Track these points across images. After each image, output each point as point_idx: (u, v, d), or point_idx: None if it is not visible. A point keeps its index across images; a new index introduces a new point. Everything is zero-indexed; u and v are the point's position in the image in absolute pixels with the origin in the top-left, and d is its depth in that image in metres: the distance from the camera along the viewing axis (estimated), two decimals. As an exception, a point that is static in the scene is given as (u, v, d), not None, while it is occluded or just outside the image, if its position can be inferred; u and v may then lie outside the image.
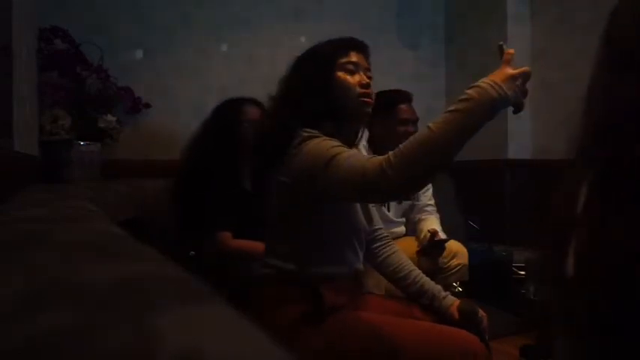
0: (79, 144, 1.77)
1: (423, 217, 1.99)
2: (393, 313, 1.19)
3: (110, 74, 2.06)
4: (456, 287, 1.85)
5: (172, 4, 2.41)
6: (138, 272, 0.30)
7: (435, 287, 1.26)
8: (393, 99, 1.95)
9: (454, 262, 1.86)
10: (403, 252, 1.36)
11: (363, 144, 1.86)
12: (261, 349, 0.21)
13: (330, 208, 1.14)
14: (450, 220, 2.16)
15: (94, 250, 0.37)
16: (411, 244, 1.84)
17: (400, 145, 0.94)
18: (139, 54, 2.33)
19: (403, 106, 1.94)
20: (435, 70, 3.11)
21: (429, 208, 2.03)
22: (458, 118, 0.90)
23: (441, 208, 2.08)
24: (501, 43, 1.02)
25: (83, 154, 1.76)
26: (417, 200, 2.03)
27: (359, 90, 1.15)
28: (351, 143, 1.22)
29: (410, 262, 1.32)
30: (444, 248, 1.78)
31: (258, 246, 1.49)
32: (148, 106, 2.25)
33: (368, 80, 1.17)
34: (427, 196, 2.05)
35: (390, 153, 0.94)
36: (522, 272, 2.28)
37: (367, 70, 1.20)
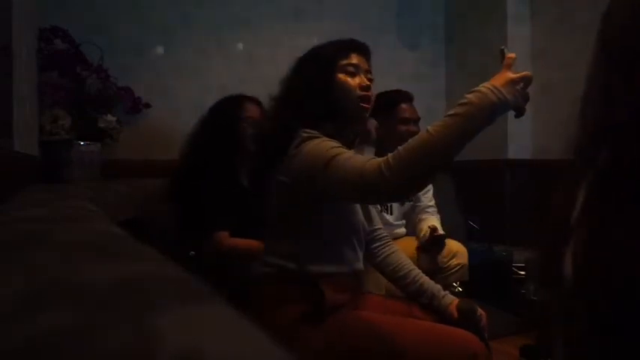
0: (79, 144, 1.77)
1: (424, 217, 1.99)
2: (393, 313, 1.19)
3: (110, 74, 2.06)
4: (455, 287, 1.85)
5: (172, 4, 2.41)
6: (138, 272, 0.30)
7: (435, 286, 1.26)
8: (394, 99, 1.96)
9: (454, 262, 1.86)
10: (403, 252, 1.36)
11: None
12: (261, 349, 0.21)
13: (329, 208, 1.15)
14: (450, 220, 2.17)
15: (94, 250, 0.37)
16: (410, 244, 1.84)
17: (399, 148, 0.94)
18: (139, 54, 2.33)
19: (404, 106, 1.95)
20: (435, 70, 3.11)
21: (430, 210, 2.03)
22: (457, 122, 0.90)
23: (441, 209, 2.08)
24: (503, 47, 1.02)
25: (83, 154, 1.76)
26: (418, 201, 2.03)
27: (359, 92, 1.16)
28: (351, 144, 1.22)
29: (409, 261, 1.33)
30: (443, 244, 1.78)
31: (254, 244, 1.49)
32: (148, 106, 2.25)
33: (368, 82, 1.17)
34: (428, 197, 2.05)
35: (389, 155, 0.94)
36: (522, 272, 2.28)
37: (368, 72, 1.20)
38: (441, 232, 1.80)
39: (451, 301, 1.23)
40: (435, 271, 1.73)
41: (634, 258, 0.42)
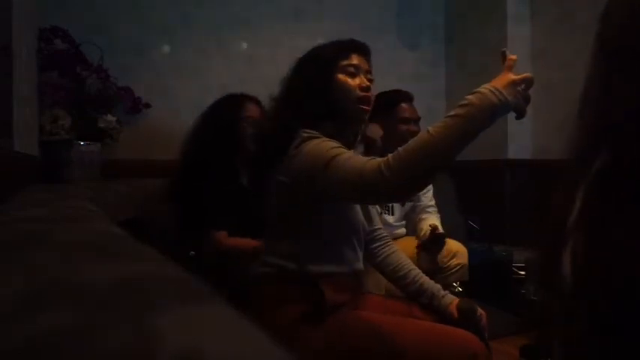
0: (79, 144, 1.77)
1: (424, 216, 1.99)
2: (393, 313, 1.19)
3: (110, 74, 2.06)
4: (456, 287, 1.85)
5: (172, 4, 2.41)
6: (138, 272, 0.30)
7: (435, 286, 1.27)
8: (394, 99, 1.96)
9: (454, 261, 1.86)
10: (403, 252, 1.36)
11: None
12: (261, 349, 0.21)
13: (329, 208, 1.15)
14: (450, 220, 2.17)
15: (94, 250, 0.37)
16: (410, 244, 1.84)
17: (399, 148, 0.94)
18: (139, 54, 2.33)
19: (404, 105, 1.95)
20: (435, 70, 3.11)
21: (430, 209, 2.03)
22: (458, 123, 0.91)
23: (441, 209, 2.08)
24: (504, 49, 1.02)
25: (83, 154, 1.76)
26: (419, 201, 2.03)
27: (359, 93, 1.16)
28: (351, 144, 1.22)
29: (409, 261, 1.33)
30: (443, 243, 1.77)
31: (252, 243, 1.49)
32: (148, 106, 2.25)
33: (368, 83, 1.18)
34: (428, 196, 2.05)
35: (390, 155, 0.94)
36: (522, 272, 2.28)
37: (368, 72, 1.20)
38: (441, 230, 1.80)
39: (451, 300, 1.23)
40: (435, 271, 1.73)
41: (634, 258, 0.42)
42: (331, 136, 1.10)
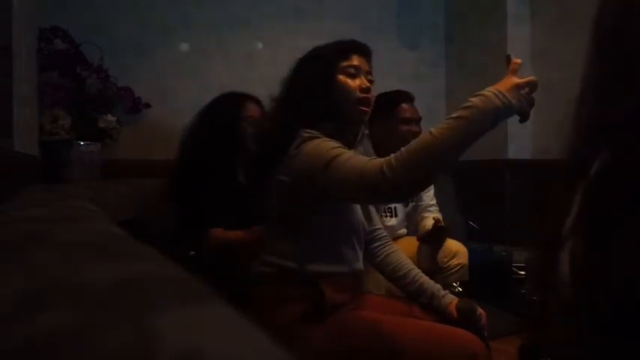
0: (79, 144, 1.77)
1: (426, 215, 1.99)
2: (393, 313, 1.19)
3: (110, 74, 2.06)
4: (456, 287, 1.84)
5: (172, 4, 2.41)
6: (138, 272, 0.30)
7: (434, 286, 1.27)
8: (394, 99, 1.95)
9: (454, 261, 1.86)
10: (403, 252, 1.36)
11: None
12: (261, 349, 0.22)
13: (329, 208, 1.15)
14: (450, 220, 2.16)
15: (94, 250, 0.37)
16: (411, 244, 1.84)
17: (402, 149, 0.94)
18: (139, 54, 2.33)
19: (405, 106, 1.94)
20: (435, 70, 3.11)
21: (431, 209, 2.03)
22: (461, 124, 0.91)
23: (441, 209, 2.08)
24: (509, 53, 1.03)
25: (83, 154, 1.76)
26: (420, 201, 2.03)
27: (359, 94, 1.16)
28: (351, 144, 1.22)
29: (409, 261, 1.33)
30: (446, 236, 1.75)
31: (242, 234, 1.49)
32: (148, 106, 2.25)
33: (368, 84, 1.18)
34: (429, 196, 2.05)
35: (392, 155, 0.94)
36: (522, 272, 2.28)
37: (368, 73, 1.20)
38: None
39: (451, 300, 1.23)
40: (435, 270, 1.73)
41: (634, 258, 0.42)
42: (331, 136, 1.11)
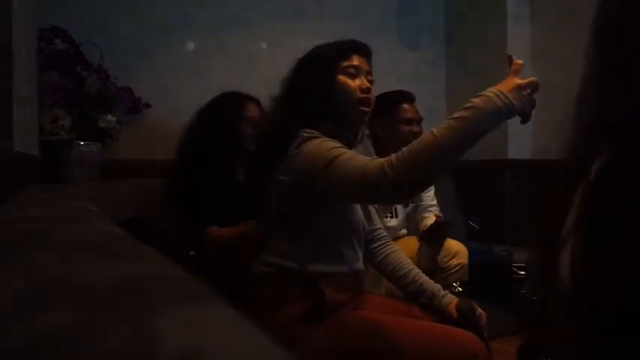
0: (79, 144, 1.77)
1: (426, 215, 1.99)
2: (393, 313, 1.19)
3: (110, 74, 2.06)
4: (456, 287, 1.85)
5: (172, 4, 2.41)
6: (138, 272, 0.30)
7: (434, 286, 1.27)
8: (395, 99, 1.95)
9: (454, 261, 1.86)
10: (403, 252, 1.36)
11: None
12: (261, 349, 0.21)
13: (329, 208, 1.15)
14: (450, 220, 2.16)
15: (94, 250, 0.37)
16: (411, 244, 1.84)
17: (403, 149, 0.95)
18: (139, 54, 2.33)
19: (406, 106, 1.94)
20: (435, 70, 3.11)
21: (432, 209, 2.03)
22: (462, 125, 0.91)
23: (441, 209, 2.08)
24: (511, 54, 1.03)
25: (83, 154, 1.76)
26: (420, 201, 2.03)
27: (359, 95, 1.16)
28: (351, 144, 1.22)
29: (409, 261, 1.33)
30: (447, 232, 1.74)
31: (238, 229, 1.49)
32: (148, 106, 2.25)
33: (369, 85, 1.18)
34: (430, 196, 2.05)
35: (393, 155, 0.95)
36: (522, 272, 2.28)
37: (368, 73, 1.20)
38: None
39: (451, 300, 1.23)
40: (435, 271, 1.73)
41: (634, 258, 0.42)
42: (331, 136, 1.11)
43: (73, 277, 0.29)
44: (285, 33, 2.60)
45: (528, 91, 0.96)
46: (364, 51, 1.21)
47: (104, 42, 2.08)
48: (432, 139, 0.92)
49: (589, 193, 0.48)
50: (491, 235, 2.55)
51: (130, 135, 2.17)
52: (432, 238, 1.71)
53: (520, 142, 2.72)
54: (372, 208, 1.37)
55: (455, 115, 0.93)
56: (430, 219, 1.90)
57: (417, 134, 1.85)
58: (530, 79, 0.97)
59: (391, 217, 1.99)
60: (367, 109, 1.18)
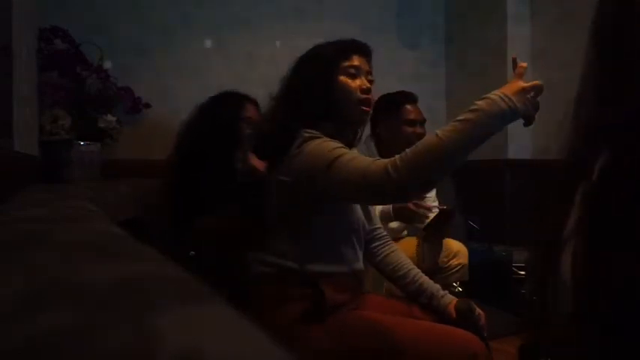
0: (79, 144, 1.77)
1: (429, 215, 1.98)
2: (393, 313, 1.19)
3: (110, 74, 2.06)
4: (456, 287, 1.85)
5: (172, 4, 2.41)
6: (138, 272, 0.30)
7: (434, 286, 1.27)
8: (398, 100, 1.94)
9: (454, 261, 1.86)
10: (403, 252, 1.36)
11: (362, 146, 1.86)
12: (261, 349, 0.21)
13: (329, 208, 1.15)
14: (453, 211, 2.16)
15: (94, 250, 0.37)
16: (411, 245, 1.84)
17: (407, 150, 0.95)
18: (139, 54, 2.33)
19: (409, 107, 1.93)
20: (435, 70, 3.11)
21: (434, 210, 2.02)
22: (467, 127, 0.91)
23: (441, 209, 2.08)
24: (515, 56, 1.03)
25: (83, 154, 1.76)
26: (422, 202, 2.03)
27: (359, 95, 1.16)
28: (351, 144, 1.22)
29: (409, 261, 1.33)
30: (451, 219, 1.71)
31: (226, 221, 1.50)
32: (148, 106, 2.25)
33: (369, 85, 1.18)
34: (431, 197, 2.04)
35: (397, 156, 0.95)
36: (522, 272, 2.28)
37: (368, 73, 1.20)
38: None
39: (450, 300, 1.23)
40: (435, 270, 1.73)
41: (634, 258, 0.42)
42: (332, 136, 1.10)
43: (73, 277, 0.29)
44: (285, 33, 2.60)
45: (532, 93, 0.97)
46: (364, 51, 1.21)
47: (104, 42, 2.08)
48: (436, 141, 0.92)
49: (590, 193, 0.48)
50: (491, 235, 2.55)
51: (129, 135, 2.17)
52: (437, 227, 1.69)
53: (520, 142, 2.72)
54: (371, 208, 1.37)
55: (459, 118, 0.93)
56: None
57: (421, 135, 1.84)
58: (535, 82, 0.97)
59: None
60: (368, 109, 1.18)
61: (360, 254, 1.24)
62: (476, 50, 2.90)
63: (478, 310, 1.21)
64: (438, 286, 1.28)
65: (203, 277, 0.32)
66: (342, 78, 1.16)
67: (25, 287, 0.27)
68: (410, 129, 1.89)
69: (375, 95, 1.22)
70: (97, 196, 1.20)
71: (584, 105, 0.53)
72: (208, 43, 2.45)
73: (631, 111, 0.47)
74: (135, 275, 0.29)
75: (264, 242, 1.23)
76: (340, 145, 1.06)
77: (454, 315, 1.20)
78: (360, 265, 1.23)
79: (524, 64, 1.00)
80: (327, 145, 1.06)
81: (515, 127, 1.02)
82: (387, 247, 1.34)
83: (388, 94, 1.96)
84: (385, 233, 1.38)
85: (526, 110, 0.96)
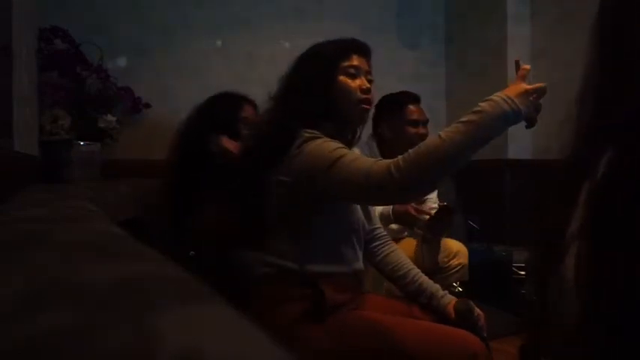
0: (79, 144, 1.77)
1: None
2: (393, 313, 1.19)
3: (110, 74, 2.06)
4: (456, 287, 1.84)
5: (172, 4, 2.41)
6: (138, 272, 0.30)
7: (434, 286, 1.27)
8: (401, 100, 1.94)
9: (454, 262, 1.86)
10: (404, 253, 1.36)
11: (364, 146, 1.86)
12: (261, 349, 0.21)
13: (329, 208, 1.15)
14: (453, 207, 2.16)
15: (94, 250, 0.37)
16: (411, 245, 1.84)
17: (410, 151, 0.95)
18: (139, 54, 2.33)
19: (411, 107, 1.92)
20: (435, 70, 3.11)
21: (435, 211, 2.02)
22: (470, 129, 0.92)
23: (441, 209, 2.08)
24: (517, 59, 1.04)
25: (83, 154, 1.76)
26: (423, 203, 2.02)
27: (360, 95, 1.16)
28: (350, 143, 1.22)
29: (409, 260, 1.33)
30: (452, 216, 1.71)
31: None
32: (148, 106, 2.25)
33: (368, 85, 1.17)
34: (433, 198, 2.04)
35: (400, 157, 0.95)
36: (522, 272, 2.28)
37: (368, 73, 1.20)
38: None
39: (449, 301, 1.23)
40: (435, 271, 1.72)
41: (637, 257, 0.42)
42: (331, 136, 1.10)
43: (73, 277, 0.29)
44: (285, 33, 2.60)
45: (535, 95, 0.97)
46: (364, 50, 1.21)
47: (104, 42, 2.08)
48: (440, 142, 0.92)
49: (595, 193, 0.48)
50: (491, 235, 2.55)
51: (129, 135, 2.17)
52: (436, 224, 1.68)
53: (520, 142, 2.72)
54: (371, 208, 1.37)
55: (462, 119, 0.93)
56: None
57: (423, 136, 1.84)
58: (538, 84, 0.97)
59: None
60: (368, 107, 1.18)
61: (360, 254, 1.24)
62: (476, 50, 2.90)
63: (477, 311, 1.21)
64: (437, 286, 1.28)
65: (203, 277, 0.32)
66: (342, 78, 1.16)
67: (25, 287, 0.27)
68: (413, 129, 1.89)
69: (374, 95, 1.22)
70: (97, 196, 1.20)
71: (585, 105, 0.53)
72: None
73: (631, 111, 0.47)
74: (135, 275, 0.29)
75: (264, 242, 1.23)
76: (341, 145, 1.06)
77: (452, 315, 1.20)
78: (360, 265, 1.23)
79: (528, 67, 1.00)
80: (327, 146, 1.05)
81: (516, 128, 1.02)
82: (386, 247, 1.34)
83: (391, 94, 1.95)
84: (385, 233, 1.38)
85: (528, 112, 0.96)
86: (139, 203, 1.75)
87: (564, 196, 0.52)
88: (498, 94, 0.95)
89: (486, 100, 0.94)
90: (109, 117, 1.94)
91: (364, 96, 1.16)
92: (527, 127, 1.01)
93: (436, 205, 2.03)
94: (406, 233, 2.05)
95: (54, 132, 1.70)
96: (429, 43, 3.10)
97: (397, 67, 2.86)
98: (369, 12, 2.87)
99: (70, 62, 1.92)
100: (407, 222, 1.72)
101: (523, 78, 0.98)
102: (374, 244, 1.34)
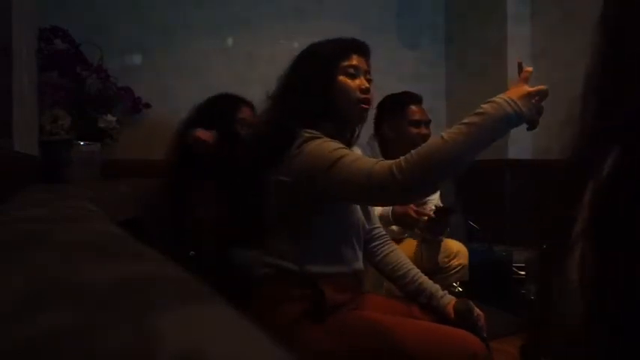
0: (79, 144, 1.77)
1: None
2: (394, 313, 1.19)
3: (110, 74, 2.06)
4: (456, 287, 1.84)
5: (172, 5, 2.41)
6: (138, 272, 0.30)
7: (433, 286, 1.27)
8: (403, 100, 1.94)
9: (454, 262, 1.86)
10: (404, 253, 1.36)
11: (366, 145, 1.86)
12: (261, 349, 0.21)
13: (329, 208, 1.15)
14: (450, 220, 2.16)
15: (94, 250, 0.37)
16: (411, 245, 1.84)
17: (412, 152, 0.95)
18: (139, 54, 2.33)
19: (414, 107, 1.92)
20: (435, 70, 3.11)
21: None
22: (472, 130, 0.92)
23: (441, 209, 2.08)
24: (520, 60, 1.04)
25: (83, 154, 1.76)
26: (425, 204, 2.02)
27: (359, 95, 1.16)
28: (349, 143, 1.22)
29: (408, 260, 1.33)
30: (450, 215, 1.70)
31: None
32: (148, 106, 2.25)
33: (368, 85, 1.17)
34: (434, 199, 2.04)
35: (402, 158, 0.95)
36: (522, 272, 2.28)
37: (367, 72, 1.20)
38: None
39: (449, 301, 1.23)
40: (435, 271, 1.72)
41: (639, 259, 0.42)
42: (331, 136, 1.10)
43: (73, 277, 0.29)
44: (285, 33, 2.60)
45: (537, 98, 0.97)
46: (363, 50, 1.21)
47: (104, 42, 2.08)
48: (442, 144, 0.92)
49: (599, 193, 0.48)
50: (491, 235, 2.55)
51: (129, 135, 2.17)
52: (435, 225, 1.68)
53: (521, 142, 2.72)
54: (371, 209, 1.37)
55: (465, 121, 0.94)
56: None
57: (425, 136, 1.84)
58: (540, 87, 0.98)
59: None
60: (367, 106, 1.18)
61: (360, 254, 1.24)
62: (476, 50, 2.90)
63: (477, 311, 1.21)
64: (437, 286, 1.28)
65: (203, 277, 0.32)
66: (342, 78, 1.16)
67: (25, 287, 0.27)
68: (415, 130, 1.89)
69: (374, 95, 1.22)
70: (97, 196, 1.20)
71: (587, 105, 0.53)
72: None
73: (631, 111, 0.47)
74: (135, 275, 0.29)
75: (264, 242, 1.23)
76: (341, 145, 1.06)
77: (452, 315, 1.20)
78: (360, 265, 1.23)
79: (530, 69, 1.00)
80: (327, 146, 1.05)
81: (517, 129, 1.02)
82: (386, 247, 1.34)
83: (393, 94, 1.95)
84: (384, 233, 1.38)
85: (530, 115, 0.96)
86: (139, 203, 1.75)
87: (565, 197, 0.52)
88: (501, 95, 0.95)
89: (489, 102, 0.94)
90: (109, 117, 1.94)
91: (363, 96, 1.16)
92: (528, 129, 1.01)
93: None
94: (406, 234, 2.05)
95: (54, 132, 1.70)
96: (429, 43, 3.10)
97: (397, 67, 2.86)
98: (369, 12, 2.87)
99: (70, 62, 1.92)
100: (407, 224, 1.72)
101: (525, 80, 0.98)
102: (373, 244, 1.34)
